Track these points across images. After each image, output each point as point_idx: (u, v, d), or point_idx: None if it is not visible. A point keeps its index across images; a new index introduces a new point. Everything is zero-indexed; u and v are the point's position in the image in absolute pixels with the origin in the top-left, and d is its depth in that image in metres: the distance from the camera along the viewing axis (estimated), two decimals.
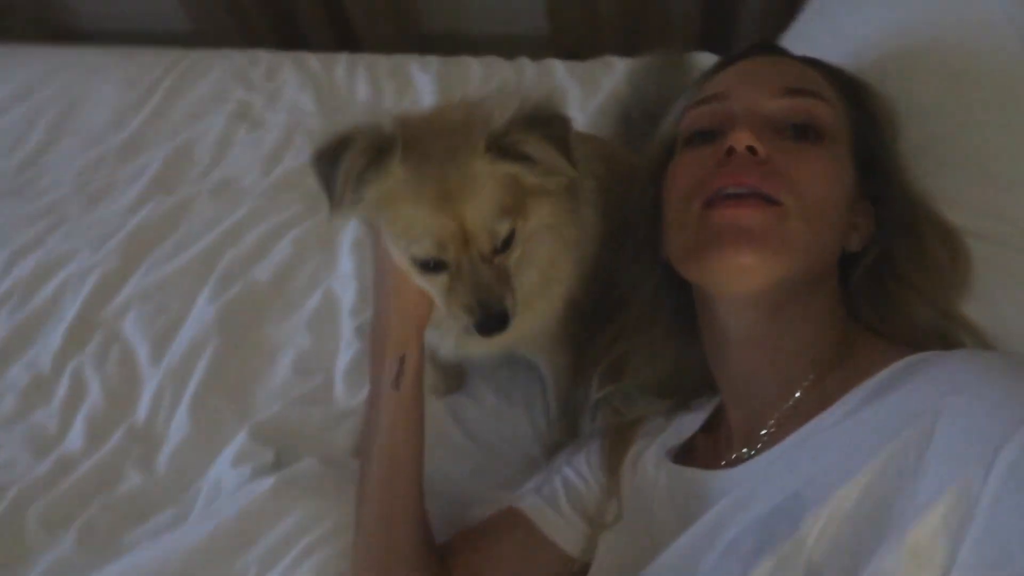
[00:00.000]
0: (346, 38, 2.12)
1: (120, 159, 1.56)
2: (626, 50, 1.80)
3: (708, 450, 0.79)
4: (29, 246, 1.42)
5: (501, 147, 0.70)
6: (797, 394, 0.69)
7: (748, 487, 0.66)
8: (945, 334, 0.72)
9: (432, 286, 0.75)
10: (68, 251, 1.39)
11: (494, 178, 0.70)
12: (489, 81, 1.58)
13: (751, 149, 0.68)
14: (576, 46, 1.97)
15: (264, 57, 1.75)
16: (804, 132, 0.71)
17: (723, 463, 0.73)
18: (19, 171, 1.57)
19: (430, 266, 0.72)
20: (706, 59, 1.62)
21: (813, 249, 0.69)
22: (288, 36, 2.17)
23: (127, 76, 1.74)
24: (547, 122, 0.71)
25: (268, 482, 0.86)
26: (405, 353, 0.81)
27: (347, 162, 0.67)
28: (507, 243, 0.73)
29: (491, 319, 0.72)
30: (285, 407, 1.11)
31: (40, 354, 1.25)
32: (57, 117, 1.68)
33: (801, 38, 1.17)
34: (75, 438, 1.13)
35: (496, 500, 0.92)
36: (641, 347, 0.87)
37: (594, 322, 0.93)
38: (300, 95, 1.60)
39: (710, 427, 0.82)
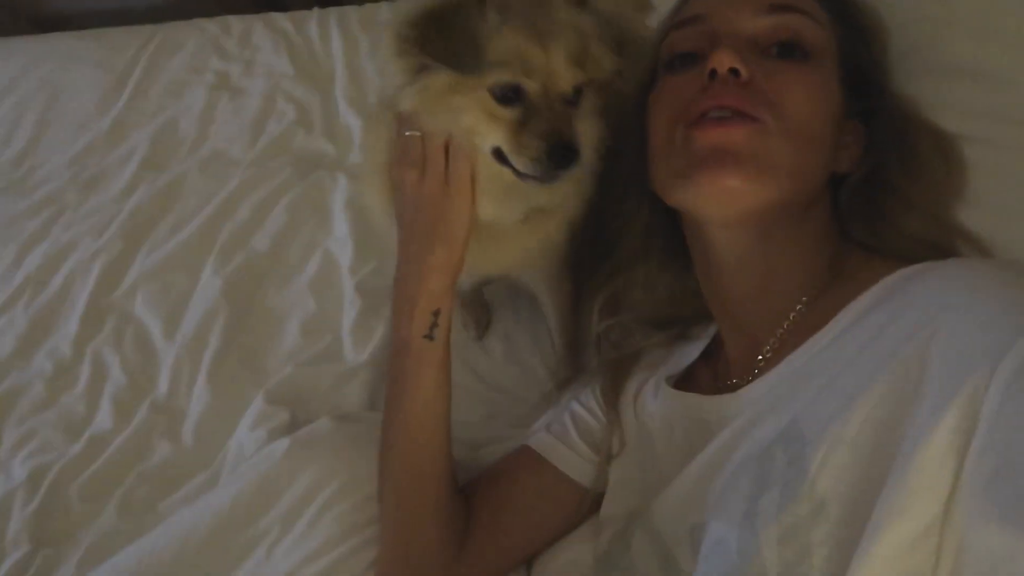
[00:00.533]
0: None
1: (108, 143, 1.58)
2: None
3: (707, 377, 0.80)
4: (35, 239, 1.47)
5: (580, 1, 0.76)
6: (791, 316, 0.70)
7: (748, 413, 0.67)
8: (940, 244, 0.71)
9: (503, 123, 0.75)
10: (71, 240, 1.43)
11: (574, 27, 0.76)
12: None
13: (734, 71, 0.67)
14: None
15: (235, 24, 1.75)
16: (790, 50, 0.70)
17: (722, 389, 0.74)
18: (14, 166, 1.60)
19: (508, 96, 0.74)
20: None
21: (799, 169, 0.68)
22: None
23: (104, 59, 1.75)
24: None
25: (284, 443, 0.91)
26: (440, 307, 0.80)
27: (463, 16, 0.71)
28: (576, 99, 0.77)
29: (564, 148, 0.74)
30: (297, 369, 1.16)
31: (60, 341, 1.31)
32: (43, 108, 1.71)
33: None
34: (104, 417, 1.20)
35: (510, 439, 0.96)
36: (636, 280, 0.87)
37: (593, 253, 0.95)
38: (275, 59, 1.60)
39: (708, 354, 0.83)
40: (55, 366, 1.27)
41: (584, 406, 0.89)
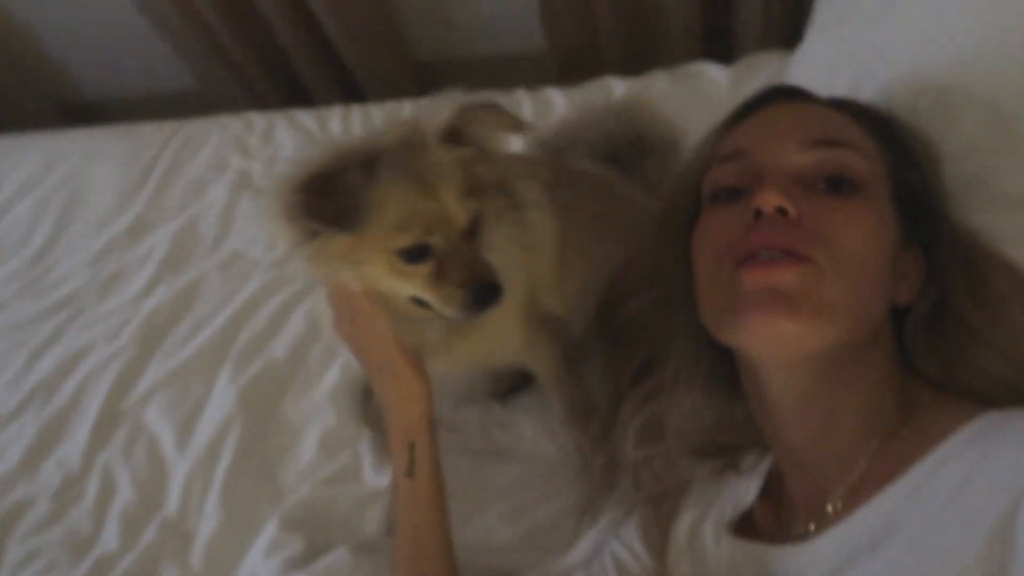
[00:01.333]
0: (345, 83, 2.14)
1: (128, 243, 1.58)
2: (627, 64, 1.78)
3: (769, 521, 0.76)
4: (47, 342, 1.44)
5: (453, 135, 0.78)
6: (861, 462, 0.66)
7: (821, 567, 0.63)
8: (1021, 386, 0.67)
9: (417, 278, 0.78)
10: (86, 344, 1.41)
11: (454, 163, 0.77)
12: None
13: (781, 210, 0.65)
14: (574, 63, 1.96)
15: (258, 120, 1.77)
16: (837, 185, 0.68)
17: (789, 538, 0.70)
18: (31, 266, 1.60)
19: (415, 255, 0.76)
20: (708, 70, 1.60)
21: (856, 306, 0.65)
22: (288, 86, 2.20)
23: (126, 155, 1.77)
24: (487, 106, 0.80)
25: (315, 567, 0.86)
26: (415, 440, 0.81)
27: (348, 179, 0.71)
28: (473, 230, 0.80)
29: (486, 288, 0.77)
30: (314, 489, 1.12)
31: (69, 452, 1.27)
32: (63, 206, 1.71)
33: (808, 62, 1.14)
34: (110, 537, 1.15)
35: (544, 570, 0.91)
36: (681, 405, 0.83)
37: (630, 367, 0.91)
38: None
39: (768, 493, 0.79)
40: (63, 479, 1.24)
41: (627, 547, 0.84)
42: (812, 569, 0.64)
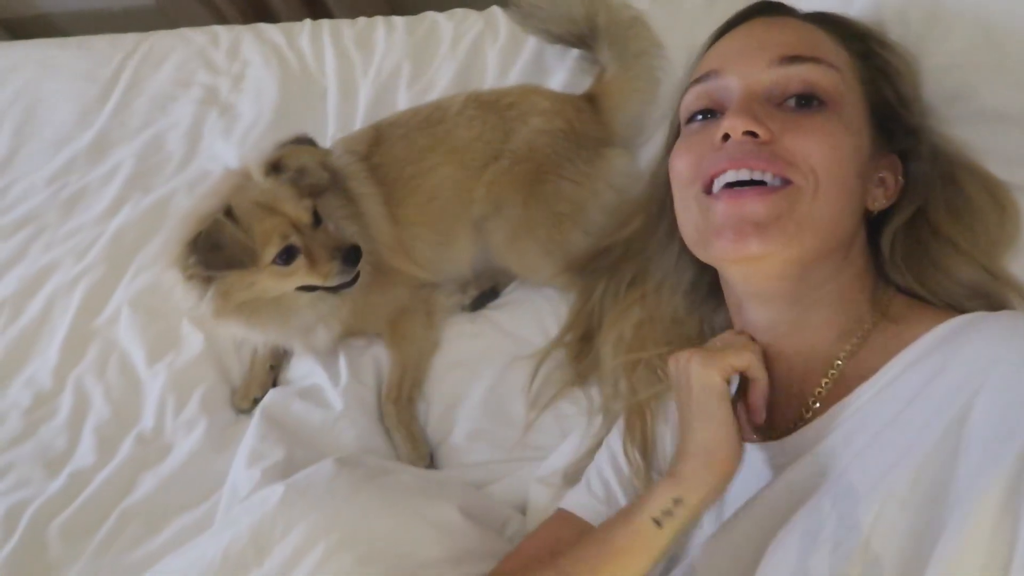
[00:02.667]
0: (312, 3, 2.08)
1: (91, 160, 1.55)
2: None
3: (744, 419, 0.77)
4: (11, 261, 1.43)
5: (276, 167, 1.03)
6: (836, 364, 0.70)
7: (796, 463, 0.66)
8: (990, 293, 0.71)
9: (297, 272, 1.01)
10: (51, 263, 1.40)
11: (280, 184, 1.02)
12: (461, 38, 1.54)
13: (750, 133, 0.67)
14: None
15: (223, 34, 1.71)
16: (807, 101, 0.70)
17: (765, 436, 0.74)
18: None
19: (287, 257, 0.99)
20: None
21: (829, 220, 0.68)
22: (252, 4, 2.12)
23: (84, 69, 1.71)
24: (298, 141, 1.11)
25: (279, 490, 0.88)
26: (684, 496, 0.66)
27: (224, 232, 0.95)
28: (318, 220, 1.03)
29: (348, 250, 1.02)
30: (290, 400, 1.13)
31: (39, 370, 1.27)
32: (20, 120, 1.66)
33: None
34: (86, 452, 1.17)
35: (543, 481, 0.95)
36: (664, 314, 0.87)
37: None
38: (266, 73, 1.57)
39: (743, 394, 0.81)
40: (34, 396, 1.24)
41: (626, 455, 0.87)
42: (786, 464, 0.67)
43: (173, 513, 1.07)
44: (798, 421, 0.71)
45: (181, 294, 1.00)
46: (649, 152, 1.18)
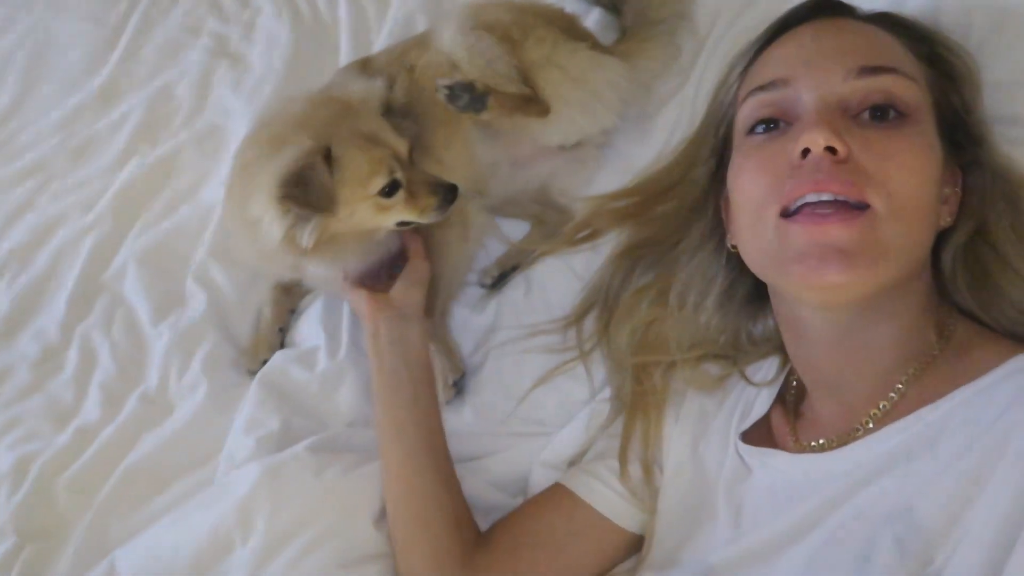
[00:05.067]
0: None
1: (99, 107, 1.55)
2: None
3: (784, 431, 0.78)
4: (21, 208, 1.45)
5: (391, 110, 1.06)
6: (897, 387, 0.69)
7: (846, 479, 0.66)
8: None
9: (397, 206, 1.01)
10: (59, 213, 1.42)
11: (381, 118, 1.03)
12: None
13: (830, 149, 0.64)
14: None
15: None
16: (884, 113, 0.67)
17: (808, 449, 0.73)
18: None
19: (390, 190, 0.99)
20: None
21: (910, 246, 0.67)
22: None
23: (93, 11, 1.70)
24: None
25: (254, 472, 0.90)
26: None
27: (320, 172, 0.94)
28: (412, 157, 1.05)
29: (446, 189, 1.03)
30: (288, 364, 1.15)
31: (47, 323, 1.30)
32: (28, 63, 1.66)
33: None
34: (92, 407, 1.20)
35: (548, 465, 0.97)
36: (686, 320, 0.86)
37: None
38: (277, 24, 1.55)
39: (785, 403, 0.81)
40: (42, 350, 1.28)
41: (621, 457, 0.88)
42: (834, 479, 0.67)
43: (175, 475, 1.11)
44: (846, 437, 0.71)
45: (272, 226, 0.96)
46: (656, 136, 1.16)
